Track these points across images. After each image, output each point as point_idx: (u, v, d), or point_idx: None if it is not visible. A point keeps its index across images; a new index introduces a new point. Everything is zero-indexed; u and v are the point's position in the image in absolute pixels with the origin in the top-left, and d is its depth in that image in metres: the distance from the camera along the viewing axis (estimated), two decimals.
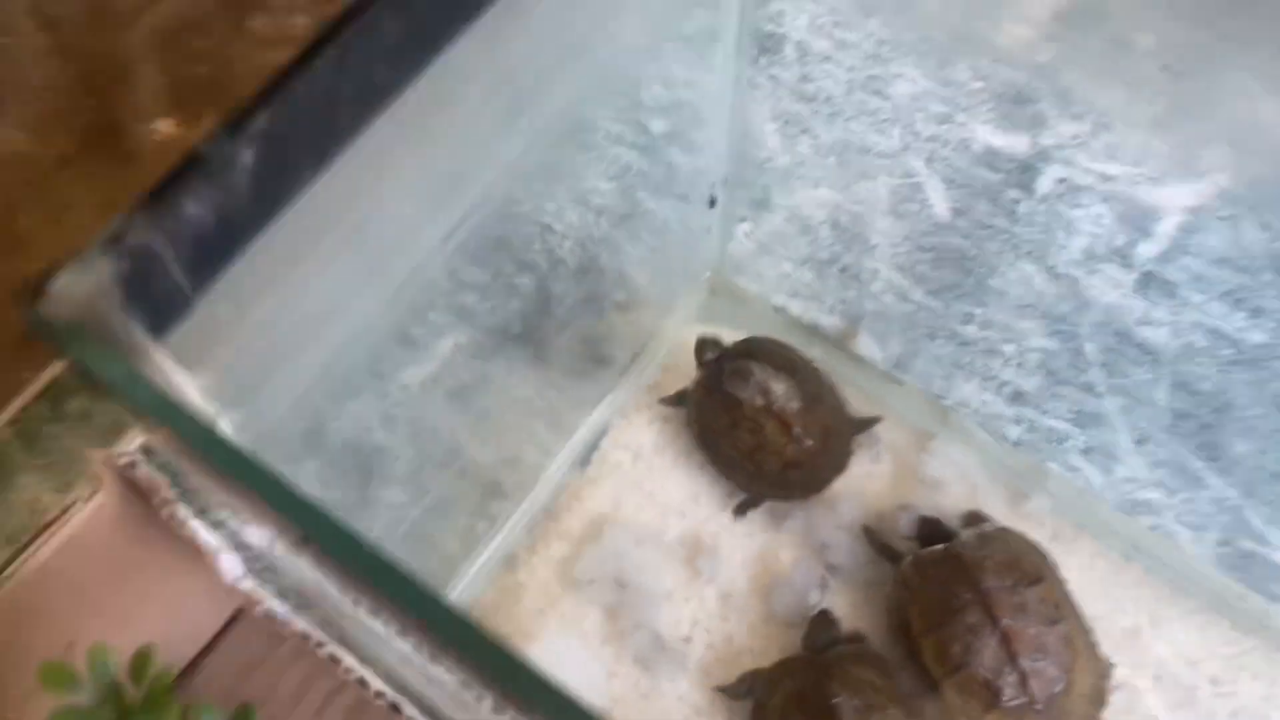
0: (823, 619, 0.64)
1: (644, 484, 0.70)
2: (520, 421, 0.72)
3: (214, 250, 0.28)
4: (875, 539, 0.67)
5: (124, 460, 0.46)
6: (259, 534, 0.45)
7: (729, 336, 0.74)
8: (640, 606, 0.64)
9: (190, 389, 0.30)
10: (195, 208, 0.27)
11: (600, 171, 0.69)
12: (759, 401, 0.66)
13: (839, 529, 0.68)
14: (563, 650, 0.63)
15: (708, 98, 0.69)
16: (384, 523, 0.62)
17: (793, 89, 0.74)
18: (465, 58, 0.33)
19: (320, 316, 0.39)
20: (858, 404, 0.73)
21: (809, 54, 0.68)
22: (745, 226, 0.80)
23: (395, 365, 0.65)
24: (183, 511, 0.47)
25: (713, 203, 0.72)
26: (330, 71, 0.29)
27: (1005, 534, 0.65)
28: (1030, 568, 0.62)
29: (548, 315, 0.71)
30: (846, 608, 0.66)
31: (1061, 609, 0.61)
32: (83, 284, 0.26)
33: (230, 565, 0.47)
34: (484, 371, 0.68)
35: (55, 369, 0.57)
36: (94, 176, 0.65)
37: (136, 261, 0.27)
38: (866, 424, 0.70)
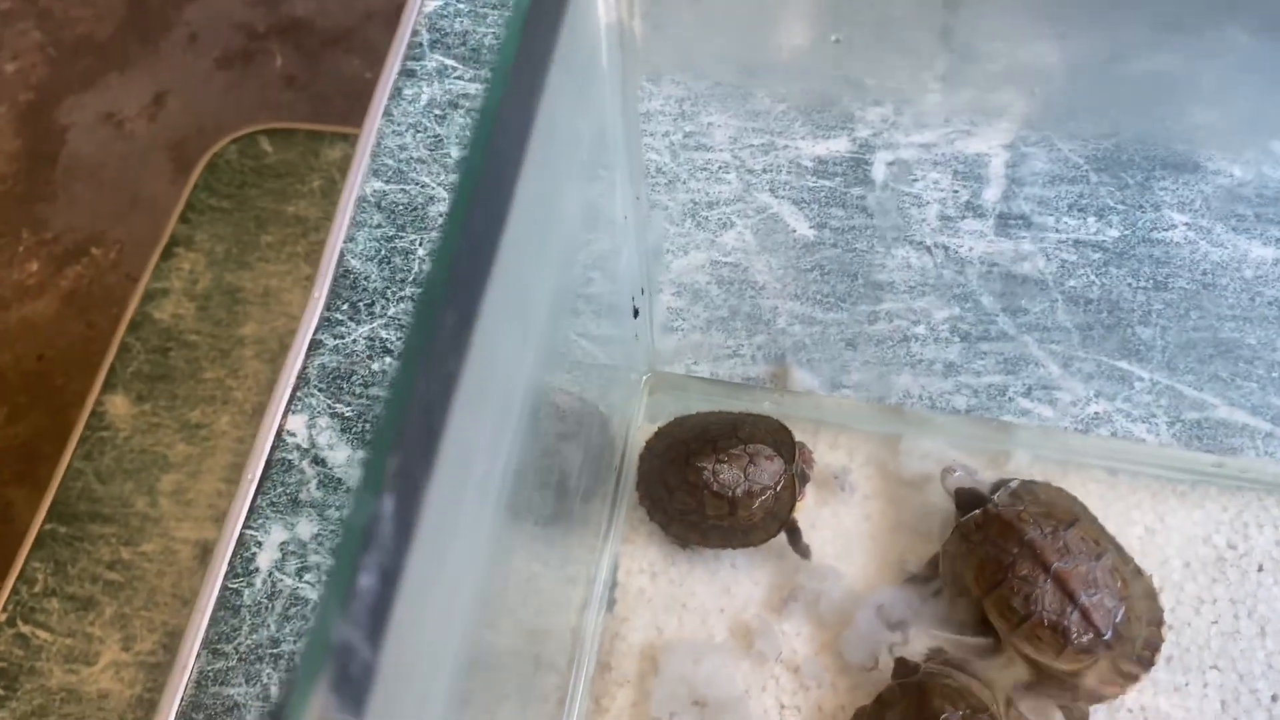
0: (902, 662, 0.65)
1: (674, 598, 0.69)
2: (527, 592, 0.70)
3: (381, 612, 0.27)
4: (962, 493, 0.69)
5: None
6: None
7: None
8: (726, 715, 0.63)
9: None
10: (369, 580, 0.25)
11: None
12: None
13: (873, 567, 0.70)
14: None
15: (611, 229, 0.69)
16: None
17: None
18: (493, 303, 0.32)
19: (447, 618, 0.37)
20: (823, 438, 0.75)
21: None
22: (643, 316, 0.81)
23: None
24: None
25: (635, 313, 0.72)
26: (422, 384, 0.28)
27: (1033, 486, 0.68)
28: (1064, 512, 0.66)
29: (526, 487, 0.70)
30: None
31: (1101, 543, 0.65)
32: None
33: None
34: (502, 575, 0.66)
35: None
36: None
37: (341, 662, 0.25)
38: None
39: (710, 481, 0.68)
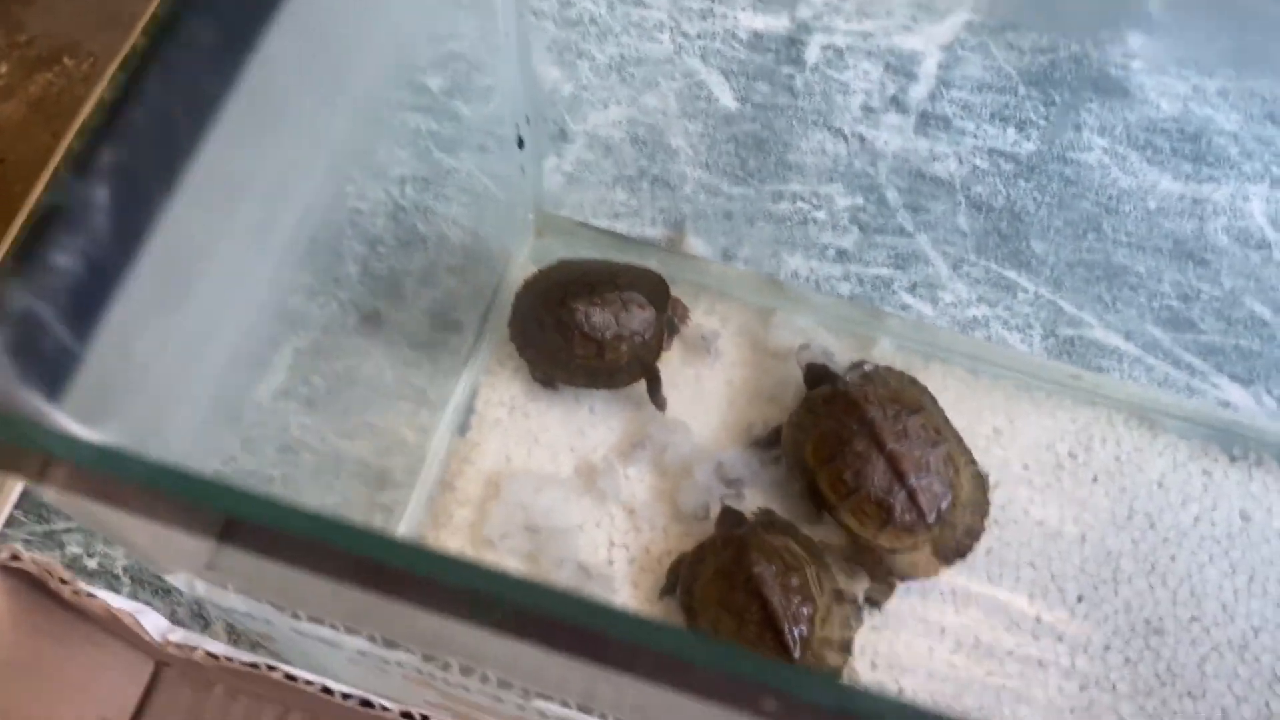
0: (728, 510, 0.67)
1: (527, 432, 0.71)
2: (388, 408, 0.72)
3: (91, 299, 0.28)
4: (813, 368, 0.71)
5: (2, 558, 0.44)
6: (179, 577, 0.44)
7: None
8: (559, 545, 0.66)
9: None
10: (65, 259, 0.26)
11: (390, 142, 0.69)
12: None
13: (722, 428, 0.72)
14: None
15: (484, 44, 0.69)
16: None
17: (556, 18, 0.75)
18: (278, 47, 0.32)
19: (194, 347, 0.38)
20: (701, 302, 0.76)
21: None
22: (552, 161, 0.81)
23: (241, 387, 0.64)
24: (84, 585, 0.46)
25: (520, 143, 0.72)
26: (158, 90, 0.28)
27: (887, 372, 0.70)
28: (910, 400, 0.68)
29: (382, 297, 0.71)
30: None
31: (942, 433, 0.67)
32: None
33: (155, 621, 0.46)
34: (334, 369, 0.68)
35: None
36: None
37: (20, 329, 0.26)
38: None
39: (582, 323, 0.69)
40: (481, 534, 0.67)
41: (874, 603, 0.66)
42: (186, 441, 0.41)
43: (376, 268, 0.71)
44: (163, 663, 0.55)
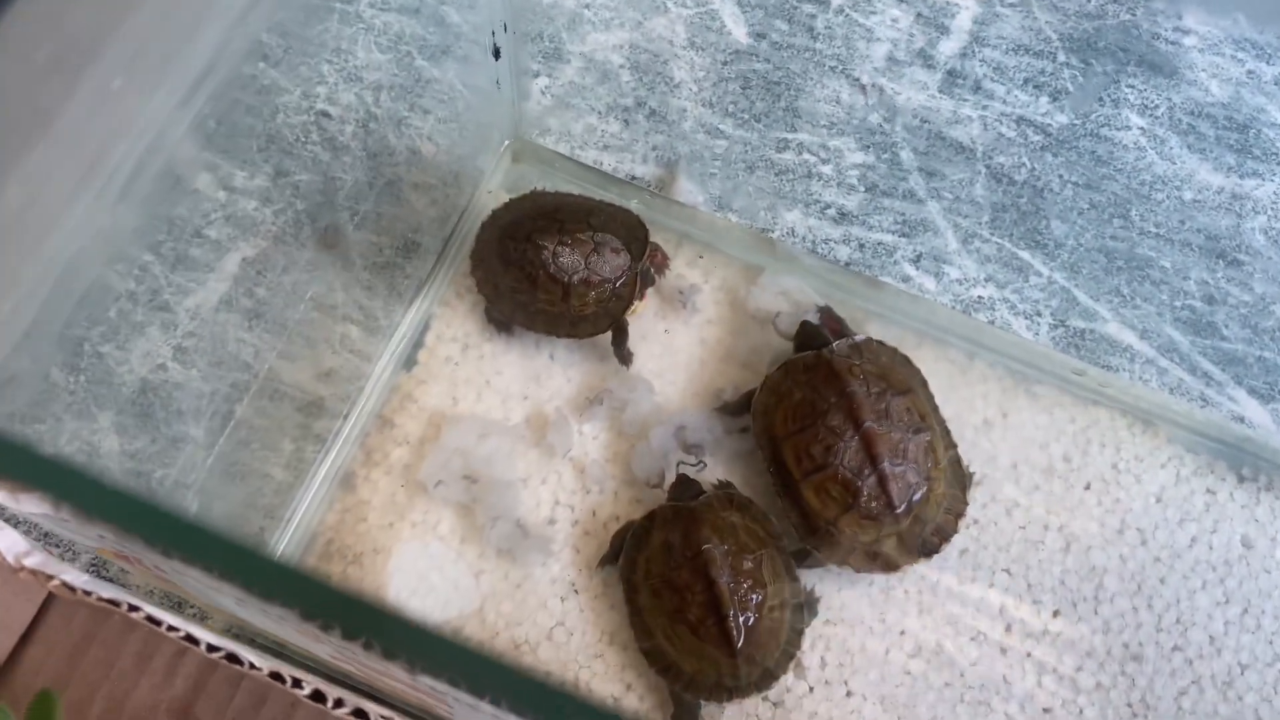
0: (684, 478, 0.61)
1: (479, 373, 0.65)
2: (331, 330, 0.66)
3: None
4: (807, 329, 0.65)
5: None
6: (31, 500, 0.38)
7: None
8: (496, 498, 0.60)
9: None
10: None
11: (370, 44, 0.63)
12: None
13: (689, 391, 0.66)
14: (421, 558, 0.59)
15: None
16: (194, 463, 0.56)
17: None
18: None
19: (25, 232, 0.33)
20: (684, 252, 0.70)
21: None
22: (541, 82, 0.74)
23: (180, 292, 0.59)
24: None
25: (497, 53, 0.66)
26: None
27: (879, 346, 0.64)
28: (898, 380, 0.61)
29: (342, 211, 0.65)
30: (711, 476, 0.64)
31: (927, 420, 0.61)
32: None
33: (9, 543, 0.41)
34: (281, 284, 0.62)
35: None
36: None
37: None
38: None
39: (548, 262, 0.63)
40: (415, 477, 0.61)
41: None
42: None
43: (341, 179, 0.66)
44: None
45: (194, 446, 0.59)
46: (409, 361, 0.66)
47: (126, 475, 0.56)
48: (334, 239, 0.67)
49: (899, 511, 0.58)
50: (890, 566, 0.59)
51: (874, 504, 0.58)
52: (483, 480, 0.61)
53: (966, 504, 0.61)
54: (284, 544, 0.60)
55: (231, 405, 0.61)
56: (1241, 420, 0.71)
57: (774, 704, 0.59)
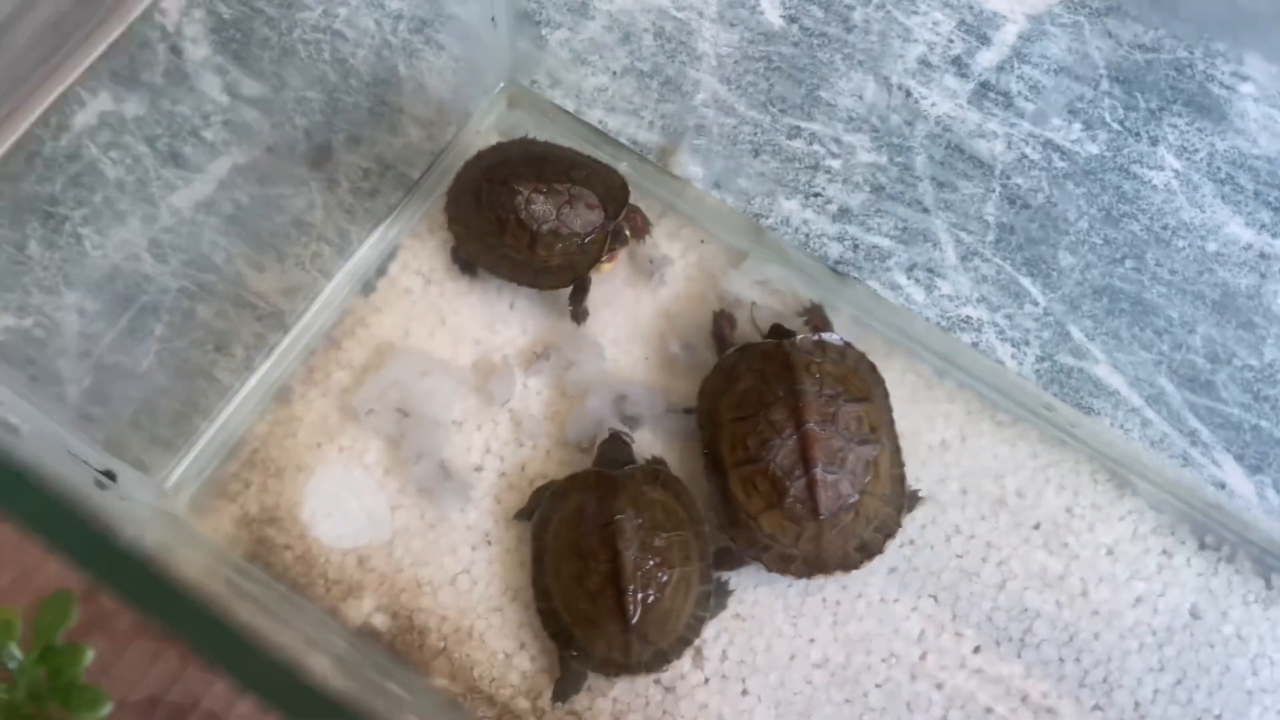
0: (616, 439, 0.60)
1: (436, 310, 0.65)
2: (305, 248, 0.67)
3: None
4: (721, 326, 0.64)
5: None
6: None
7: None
8: (425, 436, 0.60)
9: None
10: None
11: None
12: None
13: (641, 362, 0.65)
14: (342, 483, 0.59)
15: None
16: (147, 351, 0.57)
17: None
18: None
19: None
20: (666, 223, 0.69)
21: None
22: (561, 34, 0.74)
23: (166, 187, 0.59)
24: None
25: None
26: None
27: (848, 349, 0.62)
28: (857, 387, 0.60)
29: (337, 132, 0.65)
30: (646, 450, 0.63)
31: (877, 434, 0.59)
32: None
33: None
34: (265, 195, 0.63)
35: None
36: None
37: None
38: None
39: (520, 208, 0.63)
40: (350, 403, 0.61)
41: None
42: None
43: (343, 101, 0.66)
44: None
45: (150, 339, 0.60)
46: (368, 287, 0.66)
47: (79, 355, 0.57)
48: (324, 158, 0.67)
49: (822, 519, 0.57)
50: (802, 573, 0.58)
51: (798, 506, 0.57)
52: (414, 415, 0.61)
53: (899, 525, 0.59)
54: (212, 447, 0.61)
55: (195, 304, 0.62)
56: (1222, 486, 0.67)
57: (666, 688, 0.58)
